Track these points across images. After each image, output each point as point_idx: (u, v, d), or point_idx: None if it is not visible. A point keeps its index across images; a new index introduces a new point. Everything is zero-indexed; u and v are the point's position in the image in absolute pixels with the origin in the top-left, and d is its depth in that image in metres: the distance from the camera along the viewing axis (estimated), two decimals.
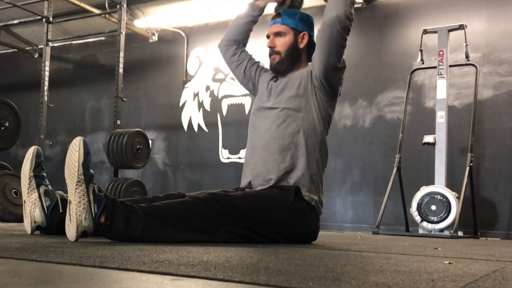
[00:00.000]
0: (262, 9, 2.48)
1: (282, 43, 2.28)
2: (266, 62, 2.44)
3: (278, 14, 2.33)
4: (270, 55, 2.32)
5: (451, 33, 4.48)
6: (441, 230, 4.11)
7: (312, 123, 2.20)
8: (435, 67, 4.54)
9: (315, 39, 2.25)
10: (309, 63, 2.31)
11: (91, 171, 1.73)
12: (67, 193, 1.84)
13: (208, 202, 1.90)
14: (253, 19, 2.48)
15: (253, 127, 2.33)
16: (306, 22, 2.31)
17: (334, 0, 2.14)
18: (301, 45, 2.30)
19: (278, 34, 2.29)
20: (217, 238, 1.89)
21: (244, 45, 2.52)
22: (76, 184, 1.68)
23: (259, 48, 2.68)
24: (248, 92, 3.61)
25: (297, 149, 2.16)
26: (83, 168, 1.69)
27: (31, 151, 2.00)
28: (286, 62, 2.29)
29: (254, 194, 2.07)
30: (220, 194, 1.98)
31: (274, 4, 2.42)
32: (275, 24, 2.31)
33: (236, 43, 2.48)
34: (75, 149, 1.71)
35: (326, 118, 2.25)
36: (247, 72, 2.46)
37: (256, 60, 2.50)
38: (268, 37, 2.33)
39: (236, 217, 1.93)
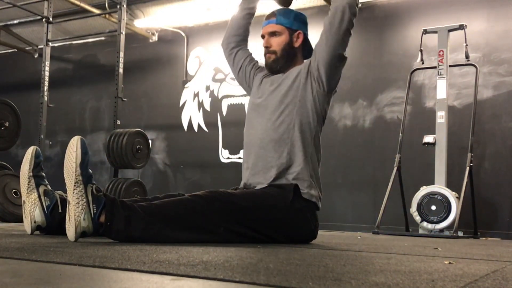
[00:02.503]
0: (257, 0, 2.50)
1: (277, 43, 2.28)
2: (262, 62, 2.44)
3: (272, 13, 2.33)
4: (265, 54, 2.32)
5: (451, 33, 4.48)
6: (441, 230, 4.11)
7: (307, 117, 2.19)
8: (435, 67, 4.53)
9: (323, 26, 2.21)
10: (305, 61, 2.31)
11: (90, 171, 1.72)
12: (66, 193, 1.84)
13: (207, 200, 1.90)
14: (249, 11, 2.48)
15: (248, 125, 2.35)
16: (300, 21, 2.32)
17: None
18: (296, 44, 2.30)
19: (273, 33, 2.29)
20: (216, 236, 1.90)
21: (245, 41, 2.51)
22: (74, 185, 1.68)
23: (254, 48, 2.68)
24: None
25: (293, 144, 2.16)
26: (81, 168, 1.69)
27: (30, 151, 2.00)
28: (282, 61, 2.29)
29: (254, 192, 2.08)
30: (219, 192, 1.98)
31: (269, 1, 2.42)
32: (269, 24, 2.30)
33: (236, 39, 2.48)
34: (73, 149, 1.70)
35: (321, 113, 2.24)
36: (243, 71, 2.46)
37: (255, 59, 2.50)
38: (263, 37, 2.33)
39: (236, 215, 1.94)
